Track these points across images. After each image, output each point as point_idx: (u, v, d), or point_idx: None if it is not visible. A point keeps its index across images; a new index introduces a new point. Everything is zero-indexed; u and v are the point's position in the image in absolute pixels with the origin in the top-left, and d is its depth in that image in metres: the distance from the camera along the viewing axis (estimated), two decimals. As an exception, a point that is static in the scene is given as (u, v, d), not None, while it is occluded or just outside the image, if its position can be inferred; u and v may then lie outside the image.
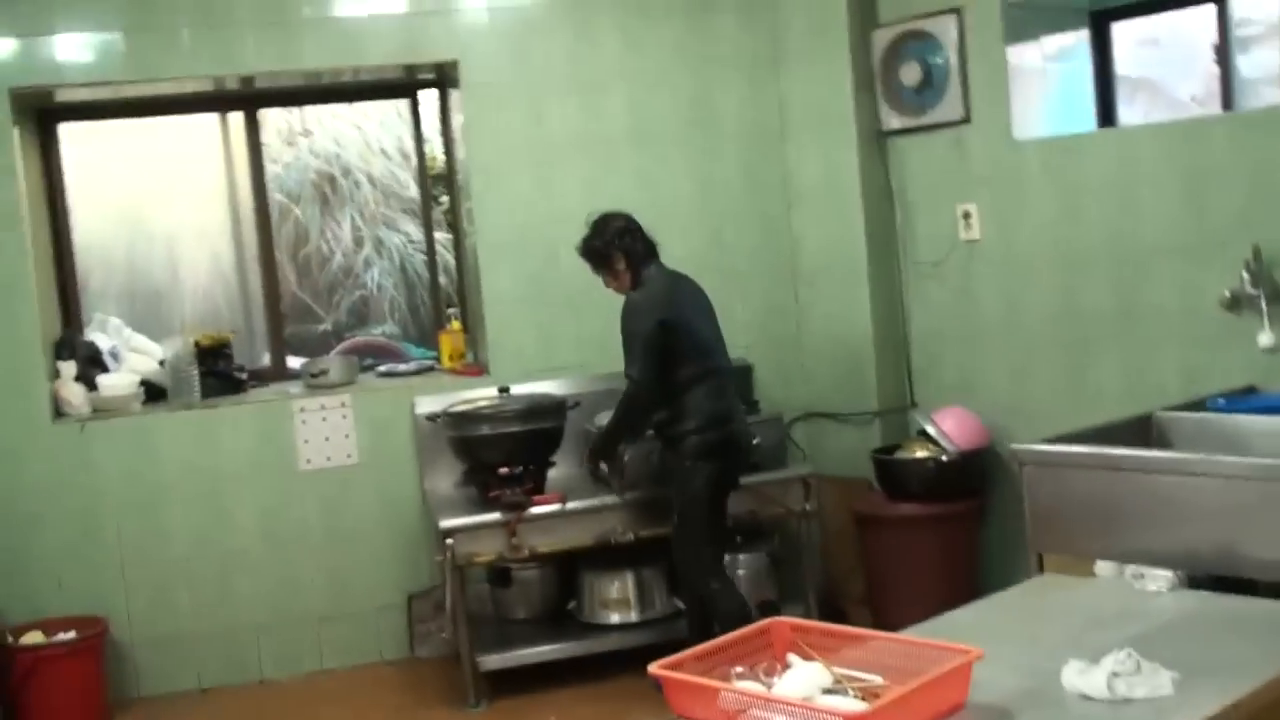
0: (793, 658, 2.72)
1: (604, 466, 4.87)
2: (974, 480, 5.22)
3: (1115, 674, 2.46)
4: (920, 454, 5.20)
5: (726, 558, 5.25)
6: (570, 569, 5.36)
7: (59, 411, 5.35)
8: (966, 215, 5.34)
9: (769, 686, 2.54)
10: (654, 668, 2.59)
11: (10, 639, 5.01)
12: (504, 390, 5.27)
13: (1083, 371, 4.98)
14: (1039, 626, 2.92)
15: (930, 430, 5.20)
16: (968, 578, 5.15)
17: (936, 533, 5.16)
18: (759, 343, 5.86)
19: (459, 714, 4.86)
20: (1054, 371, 5.09)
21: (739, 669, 2.67)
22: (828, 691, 2.50)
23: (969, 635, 2.55)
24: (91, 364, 5.49)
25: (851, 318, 5.69)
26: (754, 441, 4.87)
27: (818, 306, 5.86)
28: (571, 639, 5.14)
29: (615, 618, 5.20)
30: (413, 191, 7.41)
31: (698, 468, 4.65)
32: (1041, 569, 3.64)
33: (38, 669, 4.94)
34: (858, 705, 2.38)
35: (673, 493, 4.74)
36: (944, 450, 5.15)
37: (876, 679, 2.56)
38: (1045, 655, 2.66)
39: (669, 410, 4.68)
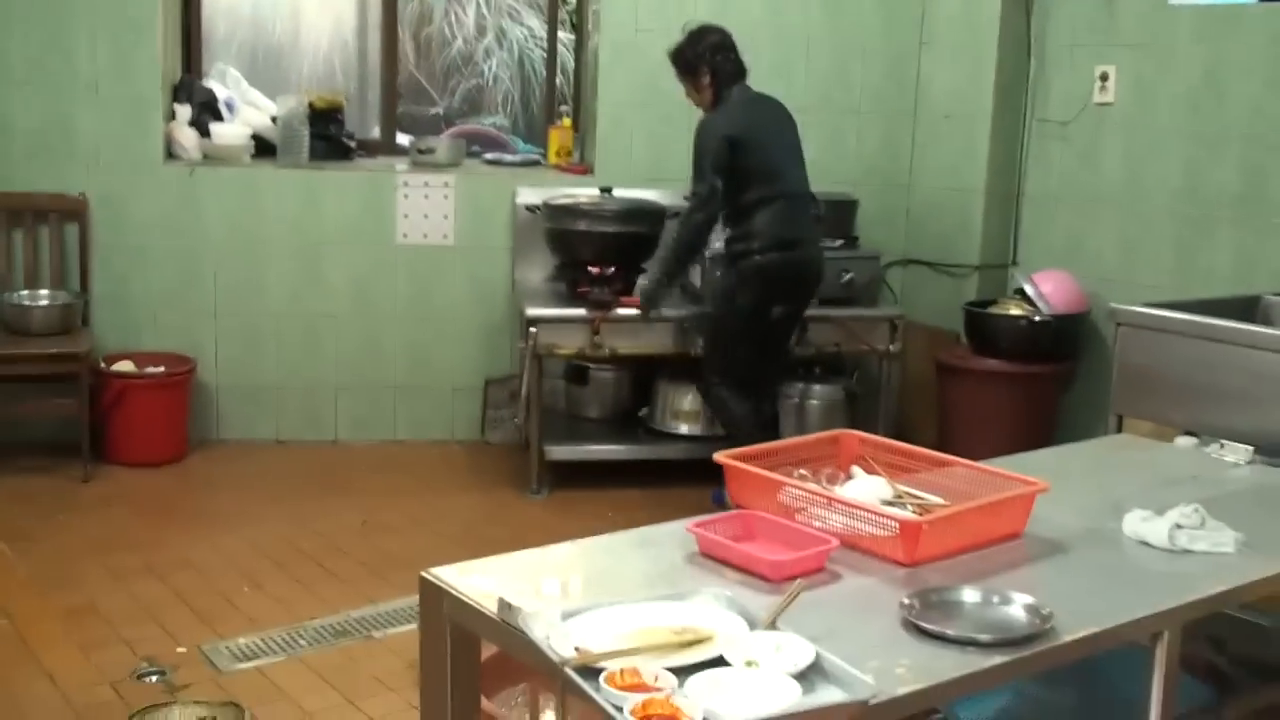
0: (857, 470, 2.73)
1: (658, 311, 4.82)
2: (1065, 345, 5.15)
3: (1178, 525, 2.45)
4: (1014, 311, 5.13)
5: (801, 386, 5.27)
6: (646, 376, 5.41)
7: (171, 153, 5.43)
8: (1104, 77, 5.16)
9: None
10: (720, 455, 2.63)
11: (104, 364, 5.18)
12: (606, 191, 5.26)
13: (1195, 251, 4.85)
14: (1110, 477, 2.90)
15: (1028, 290, 5.12)
16: (1043, 440, 5.11)
17: (1018, 392, 5.12)
18: (868, 180, 5.79)
19: (521, 499, 4.98)
20: (1166, 247, 4.96)
21: (802, 471, 2.69)
22: (887, 504, 2.52)
23: (1038, 475, 2.54)
24: (207, 111, 5.55)
25: (966, 168, 5.58)
26: (820, 273, 4.75)
27: (933, 152, 5.75)
28: (638, 442, 5.22)
29: (684, 428, 5.26)
30: (540, -14, 7.33)
31: (749, 286, 4.57)
32: (1120, 431, 3.61)
33: (126, 396, 5.12)
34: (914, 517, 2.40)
35: (718, 304, 4.72)
36: (1038, 311, 5.07)
37: (937, 499, 2.57)
38: (1111, 503, 2.65)
39: (734, 230, 4.62)
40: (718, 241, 4.80)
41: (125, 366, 5.21)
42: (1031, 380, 5.12)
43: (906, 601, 2.09)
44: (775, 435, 4.77)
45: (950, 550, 2.36)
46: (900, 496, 2.59)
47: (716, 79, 4.65)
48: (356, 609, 3.91)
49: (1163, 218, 4.98)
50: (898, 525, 2.33)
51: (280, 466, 5.29)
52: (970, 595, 2.16)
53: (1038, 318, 5.05)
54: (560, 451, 5.08)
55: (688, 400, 5.27)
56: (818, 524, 2.43)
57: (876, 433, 5.21)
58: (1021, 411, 5.12)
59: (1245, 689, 2.82)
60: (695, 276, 5.08)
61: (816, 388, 5.31)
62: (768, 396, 4.90)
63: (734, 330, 4.68)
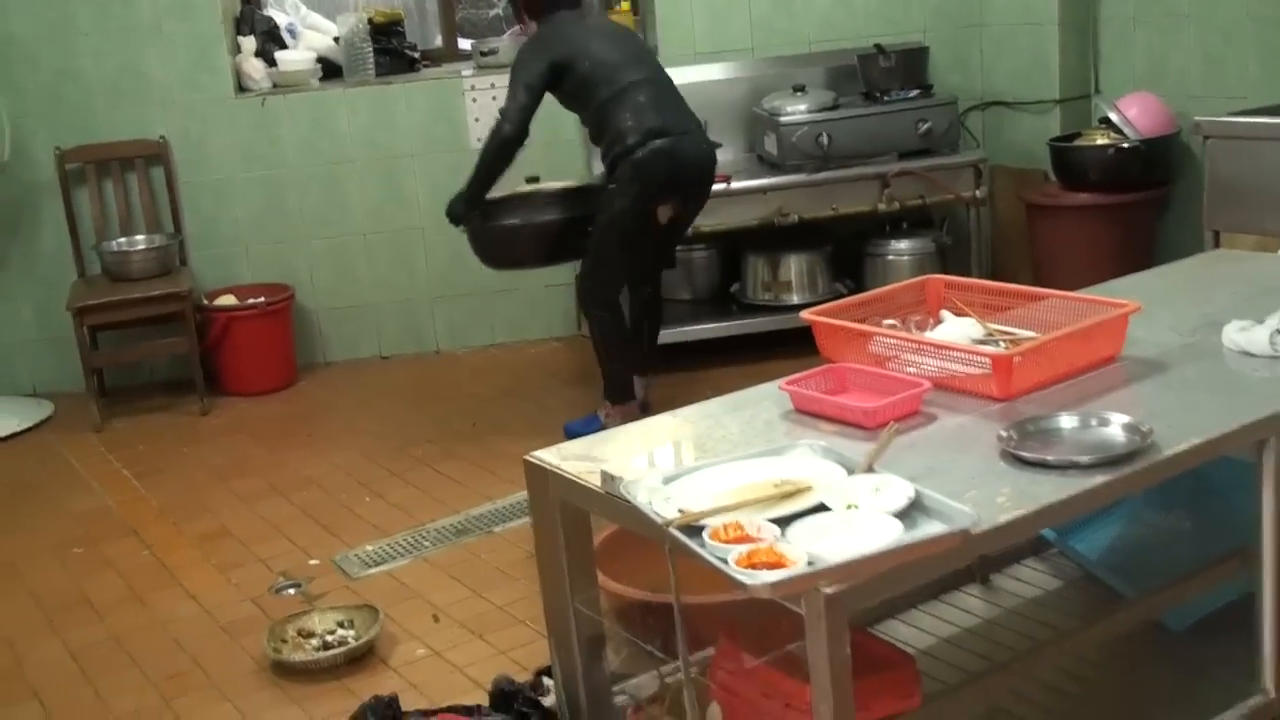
0: (945, 314, 2.72)
1: (468, 227, 4.47)
2: (1156, 170, 5.02)
3: (1279, 331, 2.41)
4: (1100, 141, 5.00)
5: (889, 242, 5.23)
6: (734, 252, 5.41)
7: (241, 86, 5.50)
8: (1174, -116, 4.95)
9: (919, 335, 2.56)
10: (806, 314, 2.64)
11: (206, 301, 5.32)
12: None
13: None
14: (1207, 292, 2.86)
15: (1113, 117, 4.98)
16: (1142, 269, 5.01)
17: (1112, 223, 5.02)
18: (937, 25, 5.65)
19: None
20: (1250, 56, 4.78)
21: (891, 320, 2.69)
22: (979, 343, 2.51)
23: (1132, 297, 2.52)
24: (270, 40, 5.60)
25: (1037, 0, 5.41)
26: (709, 166, 4.40)
27: (1002, -13, 5.57)
28: (733, 318, 5.23)
29: (778, 299, 5.25)
30: None
31: (625, 188, 4.24)
32: (1217, 247, 3.54)
33: (231, 329, 5.25)
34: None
35: (600, 213, 4.32)
36: (1126, 138, 4.94)
37: (1029, 333, 2.55)
38: (1210, 316, 2.62)
39: (602, 144, 4.35)
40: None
41: (227, 300, 5.34)
42: (1125, 209, 5.01)
43: (1004, 434, 2.10)
44: (656, 322, 4.70)
45: (1045, 380, 2.36)
46: (991, 334, 2.58)
47: (530, 11, 4.46)
48: (474, 507, 4.01)
49: (1244, 26, 4.79)
50: (989, 361, 2.33)
51: (386, 381, 5.41)
52: (1068, 421, 2.16)
53: (1125, 144, 4.92)
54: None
55: (778, 271, 5.26)
56: (910, 370, 2.44)
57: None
58: (1118, 242, 5.01)
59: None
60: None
61: (904, 243, 5.26)
62: (648, 279, 4.64)
63: (612, 241, 4.32)
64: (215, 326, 5.25)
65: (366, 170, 5.54)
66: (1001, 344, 2.49)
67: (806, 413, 2.35)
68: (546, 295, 5.72)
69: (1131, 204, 5.01)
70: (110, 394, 5.33)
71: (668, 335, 5.12)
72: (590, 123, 4.41)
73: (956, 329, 2.61)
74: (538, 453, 2.29)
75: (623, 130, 4.25)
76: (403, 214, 5.59)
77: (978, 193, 5.14)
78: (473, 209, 4.41)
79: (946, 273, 5.22)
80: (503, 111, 4.31)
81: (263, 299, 5.36)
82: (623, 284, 4.53)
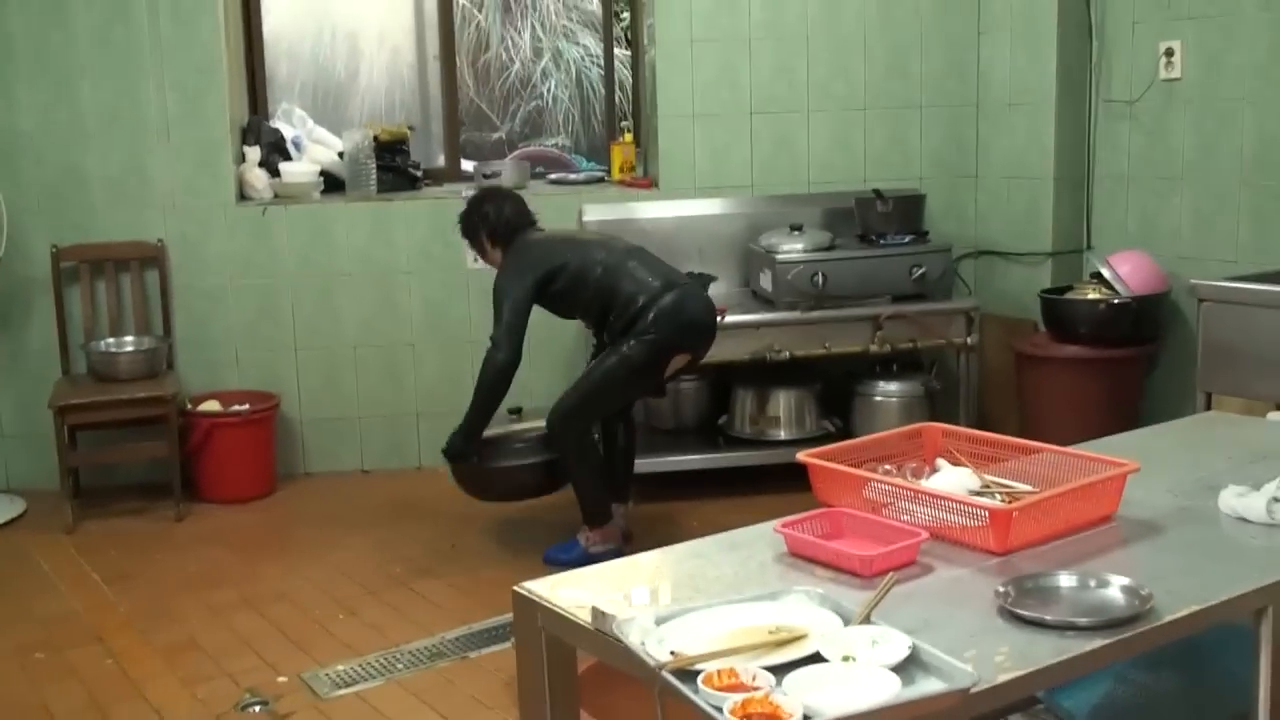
0: (942, 462, 2.71)
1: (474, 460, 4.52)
2: (1146, 327, 5.07)
3: (1276, 499, 2.40)
4: (1091, 296, 5.06)
5: (879, 384, 5.26)
6: (723, 384, 5.41)
7: (243, 194, 5.54)
8: (1169, 52, 5.08)
9: (916, 483, 2.54)
10: (802, 455, 2.62)
11: (190, 405, 5.28)
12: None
13: (1273, 223, 4.75)
14: (1201, 454, 2.85)
15: (1105, 272, 5.05)
16: (1129, 425, 5.03)
17: (1101, 377, 5.05)
18: (934, 174, 5.76)
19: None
20: (1243, 221, 4.87)
21: (887, 467, 2.68)
22: (975, 494, 2.49)
23: (1127, 456, 2.51)
24: (275, 151, 5.66)
25: (1033, 155, 5.52)
26: (713, 307, 4.52)
27: (998, 141, 5.69)
28: (719, 450, 5.21)
29: (765, 434, 5.25)
30: (594, 4, 7.35)
31: (644, 335, 4.31)
32: (1209, 410, 3.55)
33: (213, 435, 5.21)
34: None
35: (609, 354, 4.40)
36: (1117, 294, 5.00)
37: (1026, 486, 2.54)
38: (1204, 480, 2.60)
39: (614, 315, 4.38)
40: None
41: (211, 406, 5.31)
42: (1114, 364, 5.05)
43: (1001, 589, 2.07)
44: (631, 448, 4.75)
45: (1042, 537, 2.34)
46: (988, 486, 2.56)
47: (496, 238, 4.56)
48: (451, 630, 3.94)
49: (1237, 191, 4.89)
50: (987, 514, 2.31)
51: (366, 496, 5.36)
52: (1066, 580, 2.13)
53: (1117, 300, 4.98)
54: (642, 464, 5.07)
55: (767, 406, 5.26)
56: (905, 518, 2.41)
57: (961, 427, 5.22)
58: (1106, 397, 5.04)
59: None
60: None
61: (894, 385, 5.28)
62: (624, 420, 4.72)
63: (620, 381, 4.40)
64: (197, 432, 5.20)
65: (361, 284, 5.55)
66: (998, 496, 2.47)
67: (801, 557, 2.31)
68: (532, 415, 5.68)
69: (1120, 359, 5.05)
70: (85, 494, 5.26)
71: (653, 464, 5.11)
72: (594, 305, 4.44)
73: (953, 478, 2.58)
74: (527, 584, 2.24)
75: (633, 293, 4.34)
76: (395, 329, 5.59)
77: (969, 339, 5.17)
78: (471, 443, 4.46)
79: (935, 417, 5.26)
80: (494, 339, 4.36)
81: (247, 406, 5.33)
82: (603, 417, 4.57)
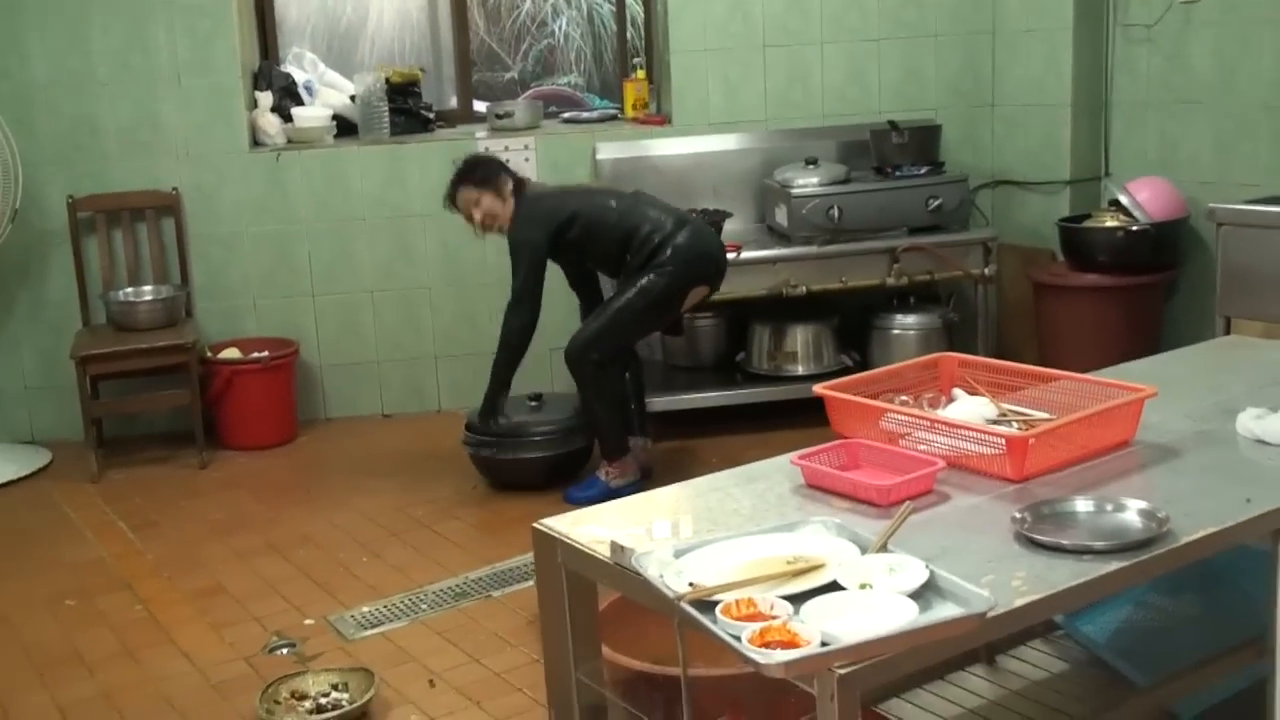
0: (958, 392, 2.71)
1: (500, 421, 4.61)
2: (1165, 253, 5.03)
3: (1295, 421, 2.39)
4: (1110, 223, 5.02)
5: (896, 317, 5.25)
6: (741, 320, 5.40)
7: (256, 140, 5.52)
8: (1187, -28, 5.00)
9: (933, 412, 2.54)
10: (819, 388, 2.62)
11: (210, 353, 5.31)
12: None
13: (1295, 144, 4.70)
14: (1220, 378, 2.84)
15: (1123, 200, 5.00)
16: (1149, 353, 5.00)
17: (1120, 305, 5.02)
18: (950, 104, 5.70)
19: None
20: (1263, 144, 4.82)
21: (903, 398, 2.68)
22: (992, 423, 2.49)
23: (1146, 381, 2.50)
24: (287, 96, 5.63)
25: (1050, 82, 5.46)
26: (726, 255, 4.61)
27: (1015, 69, 5.62)
28: (738, 387, 5.22)
29: (783, 369, 5.25)
30: (603, -59, 7.30)
31: (665, 268, 4.37)
32: (1229, 334, 3.53)
33: (233, 383, 5.24)
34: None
35: (619, 290, 4.49)
36: (1135, 220, 4.96)
37: (1043, 414, 2.54)
38: (1223, 404, 2.60)
39: (631, 252, 4.44)
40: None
41: (231, 354, 5.33)
42: (1133, 292, 5.02)
43: (1018, 515, 2.08)
44: (640, 383, 4.82)
45: (1059, 463, 2.34)
46: (1005, 414, 2.56)
47: (510, 190, 4.54)
48: (473, 570, 3.97)
49: (1258, 114, 4.83)
50: (1004, 441, 2.31)
51: (388, 440, 5.38)
52: (1083, 505, 2.14)
53: (1135, 227, 4.94)
54: (661, 402, 5.10)
55: (784, 341, 5.25)
56: (922, 448, 2.42)
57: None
58: (1125, 325, 5.02)
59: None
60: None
61: (911, 318, 5.26)
62: (631, 354, 4.80)
63: (639, 313, 4.47)
64: (218, 380, 5.23)
65: (377, 228, 5.55)
66: (1015, 424, 2.47)
67: (818, 488, 2.32)
68: (551, 357, 5.67)
69: (1139, 286, 5.02)
70: (109, 444, 5.30)
71: (672, 402, 5.12)
72: (612, 247, 4.49)
73: (970, 407, 2.59)
74: (546, 520, 2.26)
75: (649, 231, 4.42)
76: (411, 273, 5.59)
77: (986, 270, 5.14)
78: (497, 401, 4.60)
79: (953, 349, 5.25)
80: (517, 293, 4.46)
81: (266, 353, 5.34)
82: (620, 353, 4.61)
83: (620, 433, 4.58)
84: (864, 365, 5.26)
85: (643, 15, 6.26)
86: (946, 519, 2.16)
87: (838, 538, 2.03)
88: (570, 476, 4.64)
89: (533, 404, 4.75)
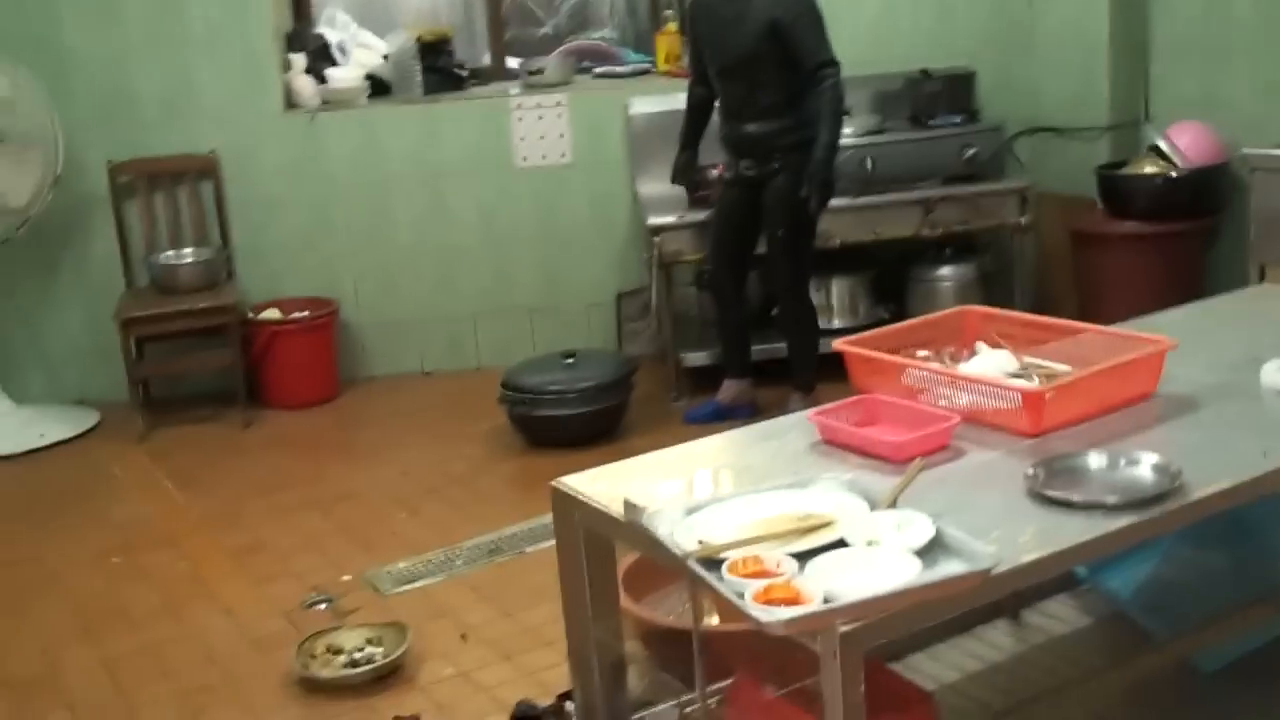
0: (981, 345, 2.70)
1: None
2: (1206, 200, 4.96)
3: (1319, 372, 2.37)
4: (1149, 170, 4.95)
5: (931, 268, 5.24)
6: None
7: (290, 102, 5.56)
8: (1229, -90, 4.89)
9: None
10: (839, 344, 2.62)
11: (251, 314, 5.37)
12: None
13: (1339, 87, 4.60)
14: (1248, 329, 2.82)
15: (1163, 145, 4.93)
16: (1189, 300, 4.95)
17: (1159, 253, 4.96)
18: (984, 49, 5.61)
19: (661, 407, 5.01)
20: (1307, 86, 4.72)
21: (925, 352, 2.67)
22: (1013, 377, 2.48)
23: (1172, 333, 2.48)
24: (320, 57, 5.65)
25: (1087, 24, 5.36)
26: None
27: (1051, 12, 5.52)
28: (772, 341, 5.20)
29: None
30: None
31: (819, 175, 4.38)
32: (1263, 281, 3.48)
33: (275, 343, 5.30)
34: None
35: (782, 202, 4.48)
36: (1175, 167, 4.89)
37: (1064, 367, 2.52)
38: (1249, 355, 2.57)
39: (783, 120, 4.44)
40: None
41: (272, 314, 5.39)
42: (1173, 239, 4.95)
43: (1031, 471, 2.08)
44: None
45: (1078, 417, 2.33)
46: (1026, 368, 2.55)
47: None
48: (509, 526, 4.02)
49: (1301, 55, 4.74)
50: (1020, 396, 2.31)
51: (427, 397, 5.44)
52: (1096, 460, 2.13)
53: (1175, 173, 4.87)
54: (696, 358, 5.11)
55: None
56: (942, 403, 2.42)
57: (1015, 310, 5.18)
58: (1165, 273, 4.95)
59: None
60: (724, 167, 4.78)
61: (947, 269, 5.23)
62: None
63: (812, 220, 4.54)
64: (260, 340, 5.30)
65: (413, 187, 5.58)
66: (1035, 378, 2.47)
67: (834, 444, 2.33)
68: (589, 313, 5.73)
69: (1179, 234, 4.95)
70: (155, 404, 5.39)
71: (708, 358, 5.12)
72: (795, 89, 4.42)
73: (991, 361, 2.58)
74: (565, 479, 2.29)
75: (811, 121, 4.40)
76: (448, 231, 5.62)
77: (1022, 220, 5.09)
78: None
79: (990, 301, 5.22)
80: (828, 60, 4.36)
81: (307, 313, 5.41)
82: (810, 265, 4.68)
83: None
84: (900, 317, 5.23)
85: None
86: (960, 475, 2.17)
87: (849, 494, 2.04)
88: (605, 433, 4.68)
89: (568, 361, 4.78)
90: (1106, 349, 2.51)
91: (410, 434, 4.97)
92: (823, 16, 4.42)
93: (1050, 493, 2.02)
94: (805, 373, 4.66)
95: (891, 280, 5.34)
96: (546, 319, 5.70)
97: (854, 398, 2.45)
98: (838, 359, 2.66)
